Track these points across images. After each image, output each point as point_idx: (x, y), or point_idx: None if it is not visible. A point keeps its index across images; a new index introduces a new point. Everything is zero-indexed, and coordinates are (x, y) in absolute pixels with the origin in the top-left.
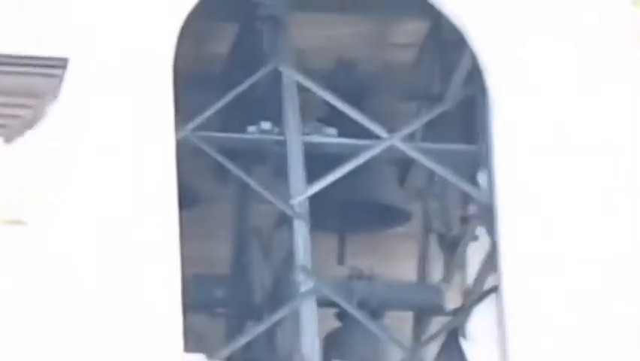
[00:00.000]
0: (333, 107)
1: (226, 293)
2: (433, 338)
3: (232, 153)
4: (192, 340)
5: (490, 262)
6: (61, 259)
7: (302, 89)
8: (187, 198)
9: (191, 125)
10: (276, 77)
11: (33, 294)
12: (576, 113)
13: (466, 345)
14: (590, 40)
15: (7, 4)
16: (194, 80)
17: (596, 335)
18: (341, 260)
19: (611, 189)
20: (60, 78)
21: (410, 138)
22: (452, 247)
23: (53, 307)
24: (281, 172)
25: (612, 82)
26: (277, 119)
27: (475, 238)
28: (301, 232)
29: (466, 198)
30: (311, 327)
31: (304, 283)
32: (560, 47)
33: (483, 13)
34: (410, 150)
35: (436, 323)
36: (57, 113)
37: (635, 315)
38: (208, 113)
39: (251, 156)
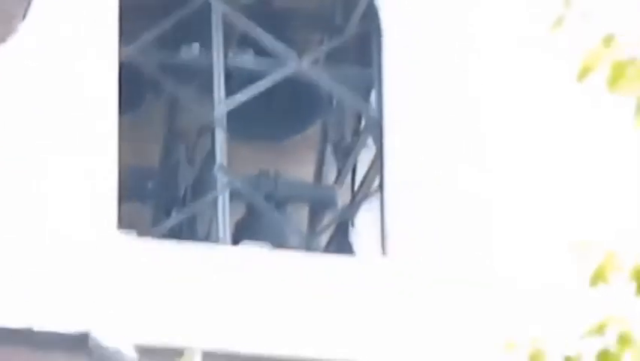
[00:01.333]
0: (252, 36)
1: (156, 186)
2: (326, 228)
3: (166, 71)
4: (126, 222)
5: (376, 167)
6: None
7: (227, 19)
8: (127, 107)
9: (132, 47)
10: (207, 7)
11: None
12: (454, 49)
13: (353, 235)
14: None
15: None
16: (136, 8)
17: (457, 228)
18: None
19: (482, 110)
20: (29, 2)
21: (315, 62)
22: (345, 154)
23: None
24: (207, 88)
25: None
26: (205, 43)
27: (365, 146)
28: (220, 137)
29: (359, 114)
30: (225, 215)
31: (221, 179)
32: None
33: None
34: (314, 74)
35: (329, 217)
36: (25, 31)
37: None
38: (148, 36)
39: (182, 74)
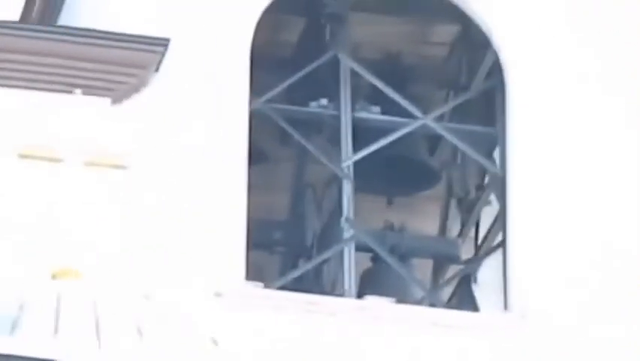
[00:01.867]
0: (379, 91)
1: (283, 235)
2: (448, 281)
3: (295, 123)
4: (253, 272)
5: (499, 222)
6: (153, 201)
7: (355, 75)
8: (257, 158)
9: (263, 99)
10: (335, 63)
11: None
12: (579, 108)
13: (476, 289)
14: (605, 45)
15: None
16: (268, 62)
17: (587, 286)
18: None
19: (606, 169)
20: (162, 54)
21: (440, 118)
22: (469, 209)
23: None
24: (333, 141)
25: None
26: (333, 98)
27: (488, 203)
28: (347, 189)
29: (483, 171)
30: (350, 267)
31: (347, 231)
32: (575, 51)
33: (506, 20)
34: (439, 129)
35: (452, 271)
36: (158, 83)
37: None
38: (277, 89)
39: (310, 126)
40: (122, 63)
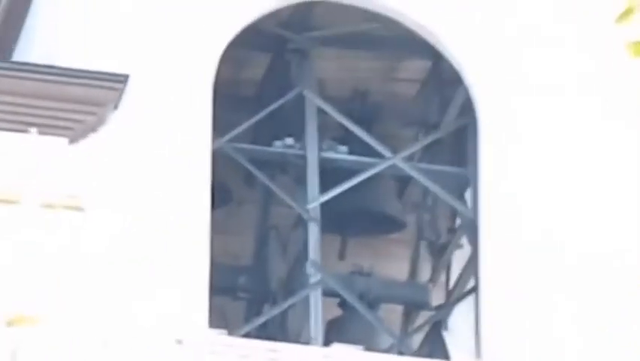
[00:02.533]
0: (346, 129)
1: (247, 280)
2: (419, 328)
3: (260, 163)
4: (217, 318)
5: (471, 267)
6: (110, 243)
7: (321, 113)
8: (219, 199)
9: (226, 138)
10: (301, 100)
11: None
12: (554, 148)
13: (447, 336)
14: (582, 81)
15: (81, 28)
16: (231, 99)
17: (555, 332)
18: (342, 257)
19: (583, 212)
20: (120, 91)
21: (409, 158)
22: (439, 253)
23: None
24: (299, 181)
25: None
26: (299, 137)
27: (459, 246)
28: (314, 232)
29: (454, 212)
30: (317, 313)
31: (313, 276)
32: (551, 88)
33: (478, 56)
34: (409, 169)
35: (423, 317)
36: (117, 121)
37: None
38: (241, 128)
39: (275, 167)
40: (79, 100)
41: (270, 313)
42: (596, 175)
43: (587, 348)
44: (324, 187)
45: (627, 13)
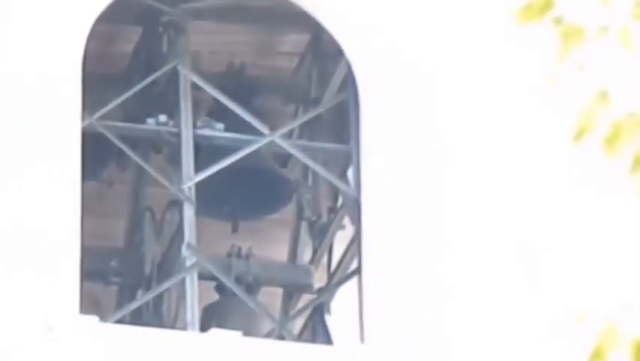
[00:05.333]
0: (222, 105)
1: (120, 264)
2: (300, 312)
3: (132, 142)
4: (88, 304)
5: (354, 248)
6: None
7: (196, 88)
8: (90, 180)
9: (96, 116)
10: (174, 76)
11: None
12: (434, 117)
13: (329, 320)
14: (462, 49)
15: None
16: (101, 76)
17: (438, 314)
18: (219, 238)
19: (461, 186)
20: None
21: (288, 135)
22: (321, 234)
23: None
24: (174, 160)
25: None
26: (173, 114)
27: (341, 227)
28: (189, 213)
29: (336, 191)
30: (193, 297)
31: (189, 259)
32: (435, 61)
33: (359, 29)
34: (287, 146)
35: (304, 300)
36: None
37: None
38: (112, 105)
39: (148, 145)
40: None
41: (144, 298)
42: (480, 150)
43: (474, 330)
44: (200, 166)
45: None
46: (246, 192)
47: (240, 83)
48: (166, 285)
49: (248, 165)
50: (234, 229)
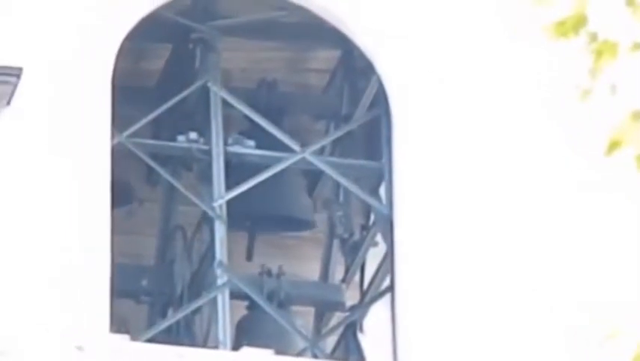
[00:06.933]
0: (253, 122)
1: (151, 282)
2: (332, 330)
3: (162, 159)
4: (118, 323)
5: (386, 265)
6: (7, 244)
7: (227, 105)
8: (120, 197)
9: (126, 133)
10: (205, 93)
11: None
12: (472, 141)
13: (362, 338)
14: (497, 72)
15: None
16: (131, 93)
17: (474, 332)
18: (249, 257)
19: (495, 205)
20: (14, 86)
21: (320, 152)
22: (353, 251)
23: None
24: (204, 178)
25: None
26: (204, 131)
27: (374, 244)
28: (220, 231)
29: (368, 209)
30: (225, 315)
31: (220, 277)
32: (466, 78)
33: (390, 45)
34: (319, 163)
35: (336, 318)
36: (9, 116)
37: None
38: (142, 122)
39: (179, 162)
40: None
41: (175, 316)
42: (513, 170)
43: (505, 349)
44: (231, 184)
45: None
46: (277, 210)
47: (270, 100)
48: (197, 303)
49: (279, 183)
50: (250, 251)
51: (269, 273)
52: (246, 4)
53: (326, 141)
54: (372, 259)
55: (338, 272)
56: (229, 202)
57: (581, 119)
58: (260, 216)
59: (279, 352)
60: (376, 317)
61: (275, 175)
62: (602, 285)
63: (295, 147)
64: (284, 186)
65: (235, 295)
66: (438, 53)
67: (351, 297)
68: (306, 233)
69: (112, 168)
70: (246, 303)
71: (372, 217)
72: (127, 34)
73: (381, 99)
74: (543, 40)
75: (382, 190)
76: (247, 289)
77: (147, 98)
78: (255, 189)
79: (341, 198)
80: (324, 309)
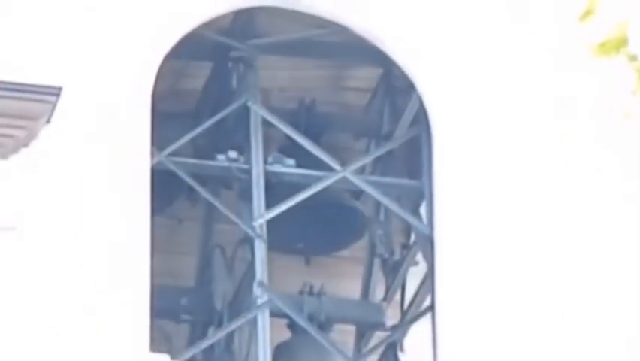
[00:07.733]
0: (293, 141)
1: (191, 302)
2: (373, 350)
3: (202, 178)
4: (159, 342)
5: (427, 285)
6: (48, 263)
7: (267, 124)
8: (160, 217)
9: (166, 152)
10: (244, 111)
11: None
12: (514, 159)
13: (403, 358)
14: (535, 87)
15: (12, 40)
16: (171, 112)
17: (515, 351)
18: (291, 276)
19: (537, 224)
20: (53, 104)
21: (360, 171)
22: (393, 270)
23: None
24: (244, 197)
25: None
26: (243, 150)
27: (414, 263)
28: (260, 250)
29: (408, 228)
30: (265, 335)
31: (261, 296)
32: (506, 95)
33: (430, 63)
34: (359, 182)
35: (377, 338)
36: (49, 135)
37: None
38: (181, 141)
39: (219, 181)
40: (8, 114)
41: (215, 336)
42: (556, 190)
43: None
44: (271, 203)
45: (587, 14)
46: (318, 229)
47: (310, 119)
48: (237, 323)
49: (320, 201)
50: (307, 263)
51: (310, 292)
52: (285, 22)
53: (366, 160)
54: (413, 278)
55: (378, 291)
56: (269, 221)
57: (625, 136)
58: (301, 236)
59: None
60: (417, 336)
61: (315, 194)
62: None
63: (335, 166)
64: (325, 205)
65: (275, 314)
66: (479, 72)
67: (391, 316)
68: (346, 252)
69: (152, 187)
70: (286, 322)
71: (412, 236)
72: (167, 53)
73: (421, 118)
74: (585, 60)
75: (423, 209)
76: (287, 309)
77: (187, 117)
78: (295, 208)
79: (382, 217)
80: (364, 328)
